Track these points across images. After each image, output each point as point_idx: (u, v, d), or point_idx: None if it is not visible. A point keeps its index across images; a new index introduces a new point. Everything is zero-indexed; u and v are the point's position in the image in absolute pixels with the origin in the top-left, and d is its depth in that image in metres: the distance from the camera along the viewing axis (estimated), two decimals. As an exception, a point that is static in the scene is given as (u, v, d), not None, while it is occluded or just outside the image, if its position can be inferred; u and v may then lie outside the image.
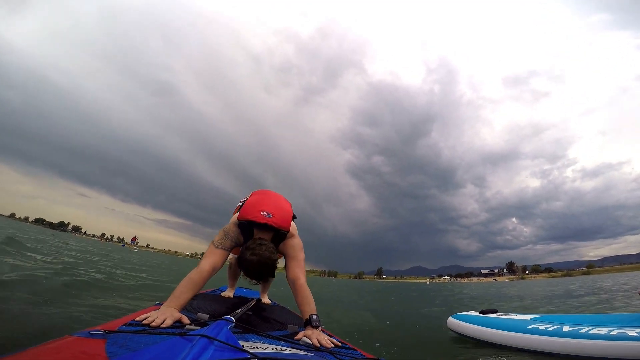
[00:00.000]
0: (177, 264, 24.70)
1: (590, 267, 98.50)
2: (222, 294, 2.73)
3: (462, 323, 3.93)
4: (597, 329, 2.99)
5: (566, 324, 3.24)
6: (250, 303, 2.22)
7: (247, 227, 1.83)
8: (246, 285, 3.37)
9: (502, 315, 3.97)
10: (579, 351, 2.91)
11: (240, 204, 2.24)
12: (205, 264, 1.65)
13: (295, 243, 1.94)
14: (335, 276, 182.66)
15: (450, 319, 4.16)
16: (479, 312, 4.11)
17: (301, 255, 1.93)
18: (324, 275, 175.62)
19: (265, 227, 1.81)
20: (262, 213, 1.80)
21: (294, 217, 2.13)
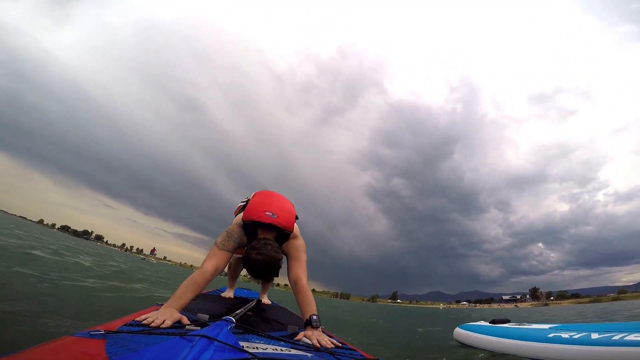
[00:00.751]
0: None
1: (622, 292, 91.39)
2: (222, 294, 2.75)
3: (470, 334, 3.45)
4: (632, 335, 2.48)
5: (594, 332, 2.74)
6: (250, 303, 2.24)
7: (251, 228, 1.84)
8: (246, 285, 3.24)
9: (515, 324, 3.47)
10: (613, 361, 2.41)
11: (242, 204, 2.26)
12: (208, 265, 1.64)
13: (299, 244, 1.96)
14: (348, 298, 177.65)
15: (457, 329, 3.69)
16: (490, 322, 3.64)
17: (304, 256, 1.93)
18: (336, 297, 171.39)
19: (270, 227, 1.82)
20: (266, 213, 1.82)
21: (296, 217, 2.11)
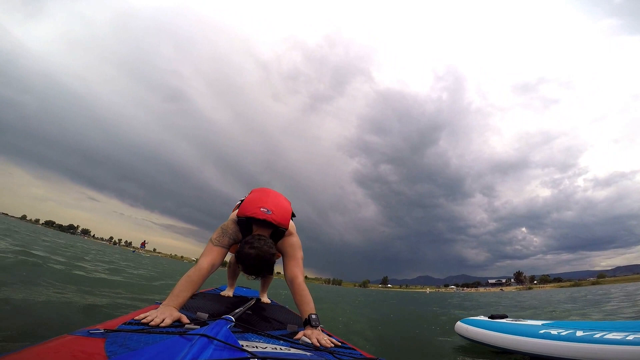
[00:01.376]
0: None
1: (601, 276, 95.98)
2: (222, 293, 2.74)
3: (471, 328, 3.81)
4: (612, 334, 2.88)
5: (579, 329, 3.14)
6: (249, 302, 2.23)
7: (246, 224, 1.84)
8: (246, 284, 3.35)
9: (512, 320, 3.86)
10: (593, 356, 2.80)
11: (240, 202, 2.27)
12: (204, 262, 1.64)
13: (294, 241, 1.93)
14: (340, 284, 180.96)
15: (459, 323, 4.05)
16: (489, 317, 4.01)
17: (299, 253, 1.91)
18: (329, 284, 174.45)
19: (264, 223, 1.81)
20: (261, 209, 1.81)
21: (293, 215, 2.12)
